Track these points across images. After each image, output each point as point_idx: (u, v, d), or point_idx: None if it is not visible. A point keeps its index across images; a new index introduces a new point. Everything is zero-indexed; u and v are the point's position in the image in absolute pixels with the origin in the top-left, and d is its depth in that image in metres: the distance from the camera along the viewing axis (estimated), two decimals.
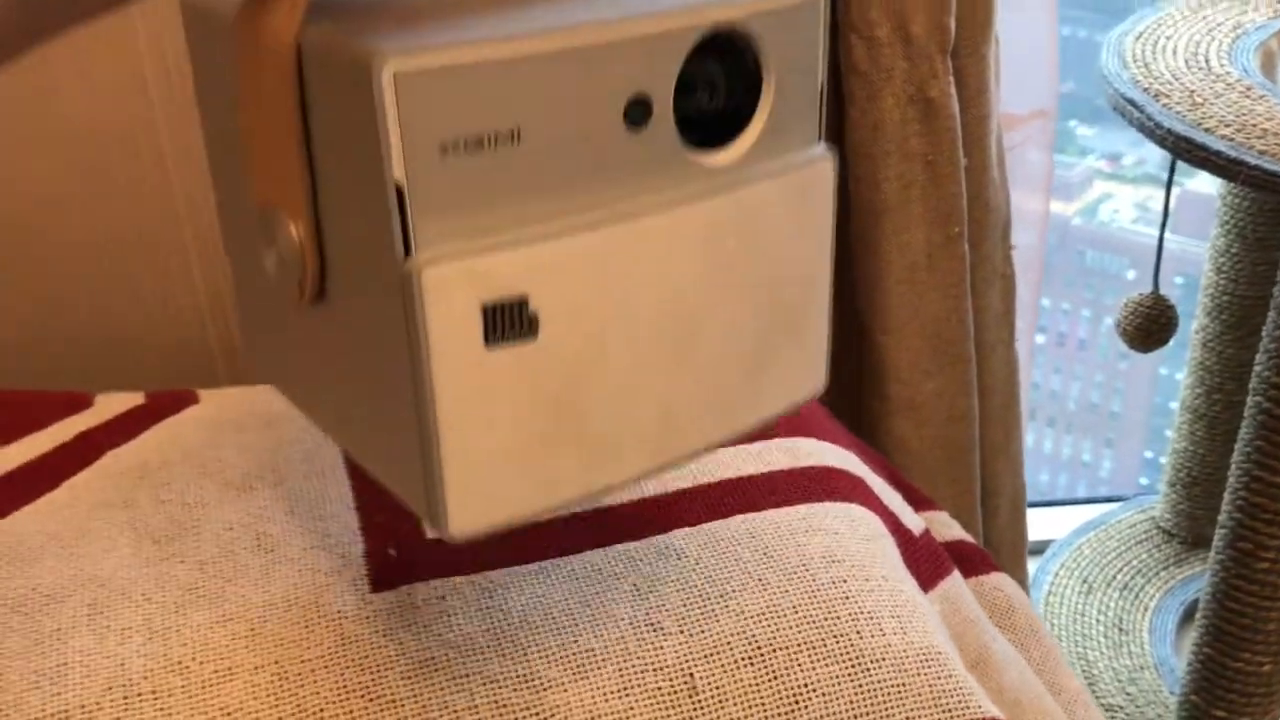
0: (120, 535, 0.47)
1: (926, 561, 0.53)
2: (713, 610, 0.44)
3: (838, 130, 0.75)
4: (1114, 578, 1.16)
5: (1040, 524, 1.24)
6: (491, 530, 0.34)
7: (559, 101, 0.31)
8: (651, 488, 0.50)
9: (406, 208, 0.30)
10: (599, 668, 0.42)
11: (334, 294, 0.33)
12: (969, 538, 0.62)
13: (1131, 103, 0.81)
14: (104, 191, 0.71)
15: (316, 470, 0.50)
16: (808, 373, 0.39)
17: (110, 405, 0.56)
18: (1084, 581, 1.16)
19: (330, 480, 0.50)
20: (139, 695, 0.41)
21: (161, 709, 0.40)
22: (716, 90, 0.34)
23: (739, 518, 0.48)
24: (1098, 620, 1.12)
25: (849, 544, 0.47)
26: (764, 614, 0.44)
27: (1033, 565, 1.15)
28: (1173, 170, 0.89)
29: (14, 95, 0.68)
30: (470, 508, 0.33)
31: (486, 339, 0.31)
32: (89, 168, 0.70)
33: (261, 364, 0.40)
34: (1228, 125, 0.76)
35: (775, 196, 0.35)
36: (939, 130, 0.73)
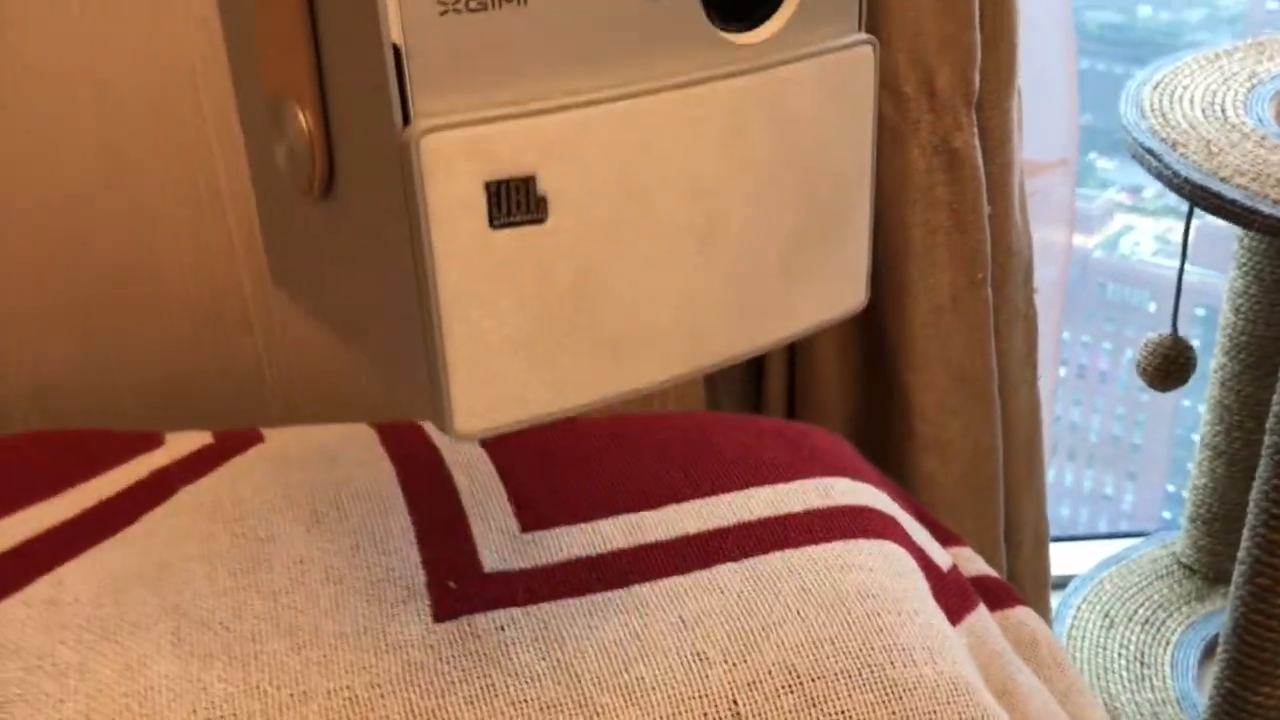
0: (198, 568, 0.50)
1: (954, 596, 0.56)
2: (755, 641, 0.47)
3: None
4: (1135, 612, 1.18)
5: (1062, 559, 1.26)
6: (499, 431, 0.32)
7: None
8: (694, 525, 0.53)
9: (405, 71, 0.28)
10: (649, 695, 0.45)
11: (342, 187, 0.33)
12: (993, 573, 0.65)
13: (1149, 151, 0.84)
14: (164, 244, 0.74)
15: (379, 507, 0.53)
16: (847, 284, 0.37)
17: (180, 444, 0.59)
18: (1106, 616, 1.18)
19: (392, 517, 0.53)
20: (221, 718, 0.44)
21: None
22: None
23: (778, 554, 0.51)
24: (1119, 654, 1.14)
25: (882, 579, 0.50)
26: (803, 645, 0.47)
27: (1055, 600, 1.17)
28: (1190, 214, 0.92)
29: (73, 140, 0.72)
30: (477, 405, 0.31)
31: (491, 219, 0.29)
32: (150, 224, 0.73)
33: (279, 272, 0.39)
34: (1243, 174, 0.79)
35: (808, 78, 0.33)
36: (963, 179, 0.76)
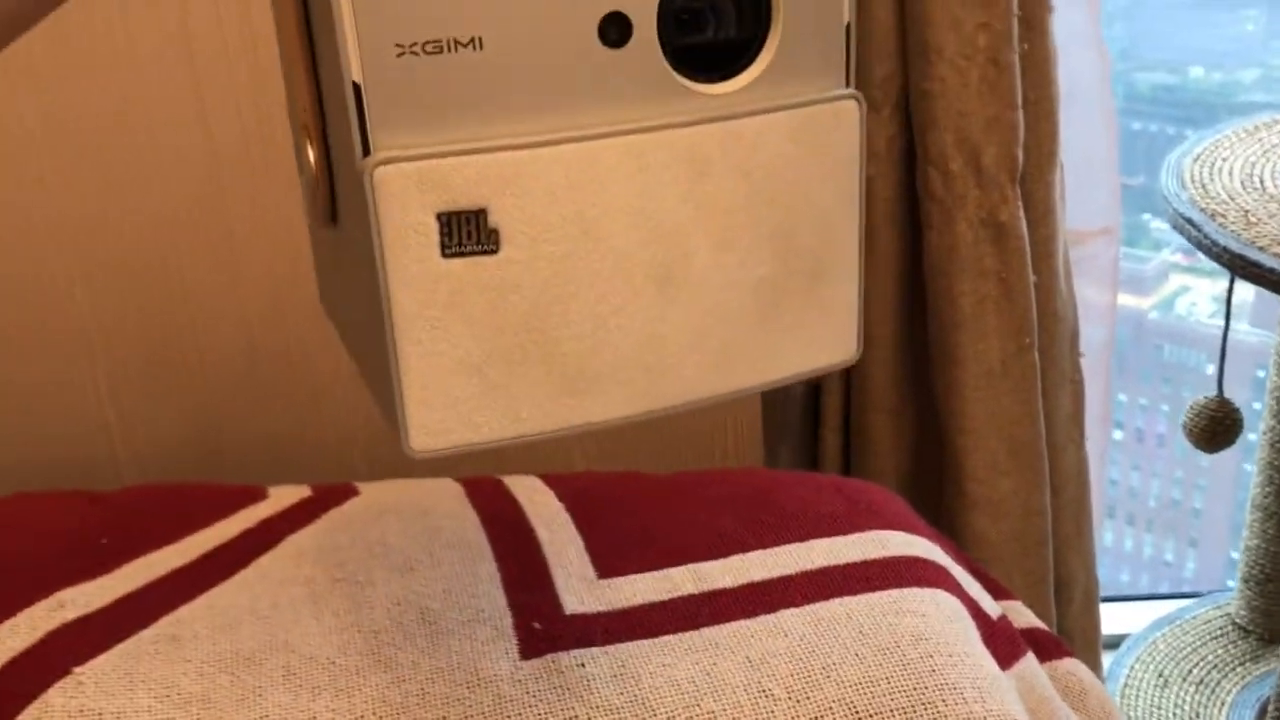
0: (304, 608, 0.55)
1: (1003, 643, 0.59)
2: (817, 680, 0.50)
3: (916, 252, 0.83)
4: (1190, 673, 1.19)
5: (1115, 618, 1.28)
6: (455, 451, 0.34)
7: (522, 12, 0.31)
8: (759, 573, 0.57)
9: (364, 106, 0.30)
10: None
11: (341, 217, 0.35)
12: (1043, 625, 0.68)
13: (1189, 222, 0.87)
14: (265, 309, 0.80)
15: (468, 555, 0.58)
16: (832, 336, 0.37)
17: (283, 496, 0.64)
18: (1160, 676, 1.19)
19: (480, 563, 0.57)
20: None
21: None
22: (724, 19, 0.33)
23: (838, 600, 0.55)
24: (1174, 715, 1.15)
25: (935, 625, 0.54)
26: (861, 684, 0.50)
27: (1108, 659, 1.18)
28: (1232, 282, 0.95)
29: (188, 222, 0.78)
30: (431, 424, 0.33)
31: (443, 248, 0.31)
32: (249, 285, 0.79)
33: (323, 295, 0.43)
34: None
35: (781, 130, 0.34)
36: (1009, 250, 0.80)
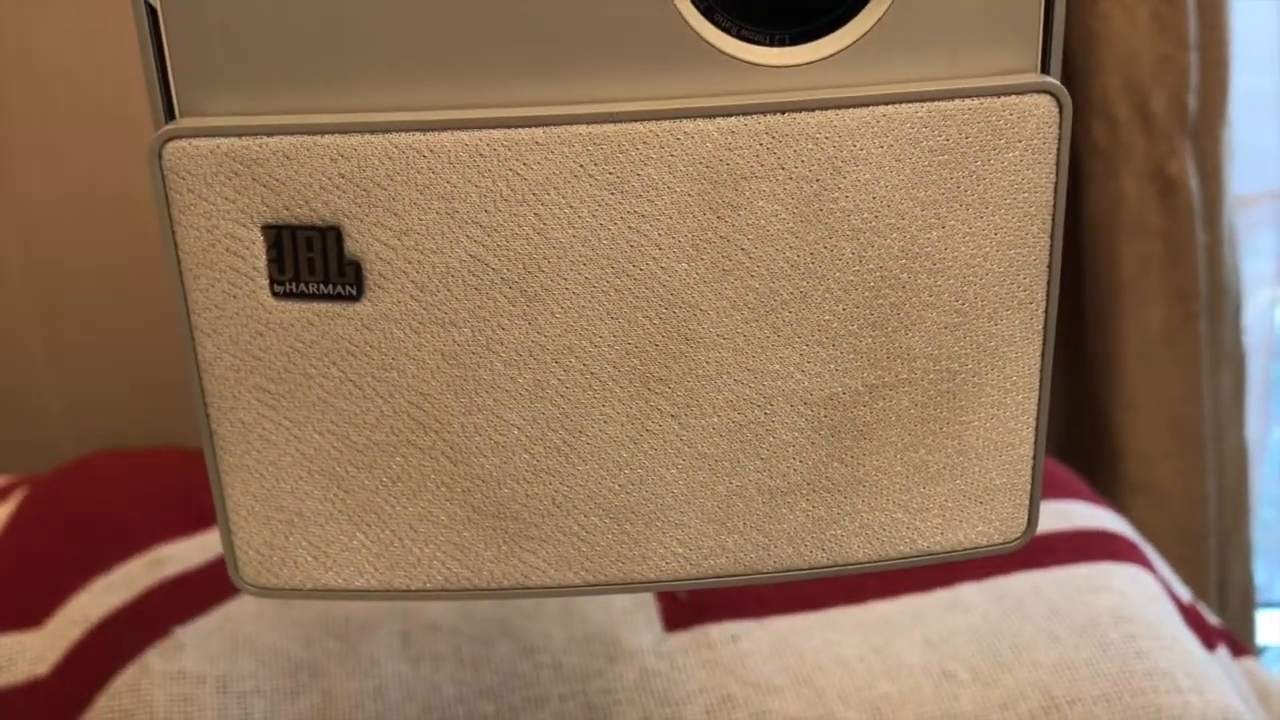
0: None
1: (1198, 630, 0.52)
2: (1005, 661, 0.44)
3: (1072, 211, 0.76)
4: None
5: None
6: (300, 596, 0.23)
7: None
8: None
9: (163, 46, 0.19)
10: (896, 712, 0.42)
11: None
12: (1217, 620, 0.61)
13: None
14: None
15: None
16: (976, 502, 0.21)
17: None
18: None
19: None
20: (455, 718, 0.43)
21: None
22: None
23: (1022, 574, 0.48)
24: None
25: (1136, 603, 0.47)
26: (1058, 667, 0.44)
27: None
28: None
29: None
30: (265, 548, 0.22)
31: (273, 283, 0.19)
32: None
33: None
34: None
35: (895, 139, 0.19)
36: (1178, 207, 0.73)
